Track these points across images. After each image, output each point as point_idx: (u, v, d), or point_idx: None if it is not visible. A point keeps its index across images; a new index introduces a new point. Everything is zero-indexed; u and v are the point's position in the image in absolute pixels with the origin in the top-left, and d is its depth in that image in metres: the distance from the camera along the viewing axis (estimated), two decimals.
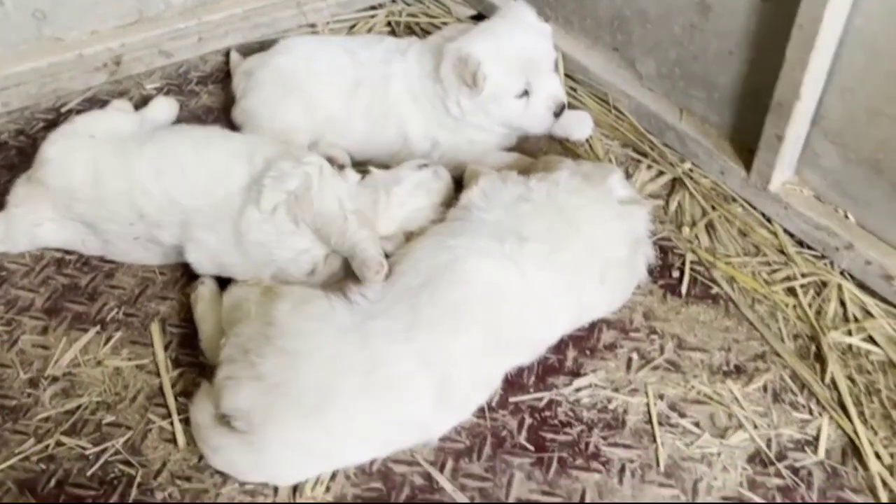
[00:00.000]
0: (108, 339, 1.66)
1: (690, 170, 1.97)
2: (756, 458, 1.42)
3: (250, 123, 2.03)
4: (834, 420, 1.47)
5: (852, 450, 1.43)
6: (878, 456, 1.40)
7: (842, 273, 1.70)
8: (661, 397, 1.52)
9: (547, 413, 1.51)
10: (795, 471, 1.40)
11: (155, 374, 1.59)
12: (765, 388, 1.52)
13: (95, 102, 2.27)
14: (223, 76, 2.39)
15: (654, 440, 1.45)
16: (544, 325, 1.52)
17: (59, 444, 1.47)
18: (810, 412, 1.49)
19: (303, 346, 1.36)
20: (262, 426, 1.32)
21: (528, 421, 1.49)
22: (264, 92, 2.03)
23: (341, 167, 1.77)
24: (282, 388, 1.32)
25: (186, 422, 1.47)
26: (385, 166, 1.86)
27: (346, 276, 1.60)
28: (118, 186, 1.67)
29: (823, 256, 1.74)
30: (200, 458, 1.43)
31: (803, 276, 1.71)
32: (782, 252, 1.77)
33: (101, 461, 1.44)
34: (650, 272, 1.68)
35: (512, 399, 1.53)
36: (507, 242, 1.47)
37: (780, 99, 1.65)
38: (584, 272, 1.52)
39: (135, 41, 2.35)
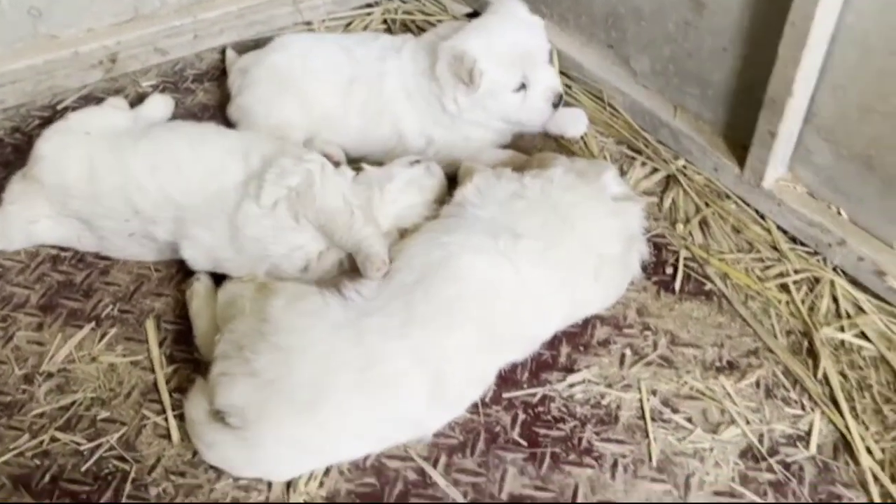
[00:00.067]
0: (102, 336, 1.66)
1: (684, 167, 1.98)
2: (748, 454, 1.43)
3: (246, 120, 2.03)
4: (826, 415, 1.47)
5: (844, 445, 1.43)
6: (869, 451, 1.41)
7: (834, 269, 1.71)
8: (654, 393, 1.53)
9: (540, 409, 1.51)
10: (787, 466, 1.41)
11: (149, 371, 1.59)
12: (757, 384, 1.53)
13: (91, 100, 2.27)
14: (219, 74, 2.39)
15: (647, 435, 1.46)
16: (538, 321, 1.52)
17: (53, 439, 1.48)
18: (802, 408, 1.49)
19: (297, 343, 1.36)
20: (257, 422, 1.33)
21: (522, 416, 1.50)
22: (260, 89, 2.04)
23: (337, 164, 1.77)
24: (276, 384, 1.33)
25: (181, 418, 1.47)
26: (380, 163, 1.86)
27: (339, 273, 1.60)
28: (113, 182, 1.67)
29: (816, 253, 1.74)
30: (195, 453, 1.43)
31: (796, 272, 1.71)
32: (775, 248, 1.77)
33: (96, 457, 1.45)
34: (644, 269, 1.68)
35: (505, 395, 1.53)
36: (502, 239, 1.47)
37: (772, 96, 1.66)
38: (578, 269, 1.52)
39: (130, 39, 2.35)
